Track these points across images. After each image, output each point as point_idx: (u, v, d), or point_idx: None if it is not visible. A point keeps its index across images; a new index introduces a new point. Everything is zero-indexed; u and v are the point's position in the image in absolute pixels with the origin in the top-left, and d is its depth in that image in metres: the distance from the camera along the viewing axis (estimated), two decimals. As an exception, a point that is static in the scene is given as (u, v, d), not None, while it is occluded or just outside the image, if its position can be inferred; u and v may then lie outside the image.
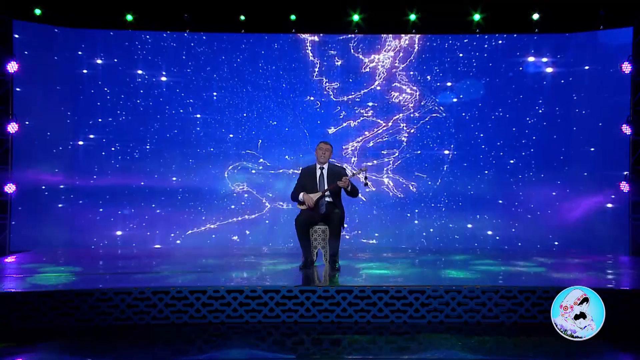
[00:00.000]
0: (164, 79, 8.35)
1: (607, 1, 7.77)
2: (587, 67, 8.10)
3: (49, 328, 4.22)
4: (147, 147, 8.32)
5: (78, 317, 4.30)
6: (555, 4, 7.92)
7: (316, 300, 4.41)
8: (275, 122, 8.47)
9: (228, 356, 3.76)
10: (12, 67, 7.54)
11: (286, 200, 8.20)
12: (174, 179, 8.34)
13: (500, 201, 8.34)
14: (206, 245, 8.17)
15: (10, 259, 6.69)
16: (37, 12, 7.80)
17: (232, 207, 8.40)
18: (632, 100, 7.66)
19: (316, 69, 8.47)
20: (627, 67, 7.63)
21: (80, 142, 8.19)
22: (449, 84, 8.40)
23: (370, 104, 8.47)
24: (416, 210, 8.41)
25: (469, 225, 8.34)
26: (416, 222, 8.40)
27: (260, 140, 8.46)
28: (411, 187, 8.43)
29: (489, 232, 8.32)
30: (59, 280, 4.94)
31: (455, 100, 8.40)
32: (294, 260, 6.18)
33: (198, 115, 8.40)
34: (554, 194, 8.23)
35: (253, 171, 8.47)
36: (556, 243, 8.06)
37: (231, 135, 8.44)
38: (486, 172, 8.36)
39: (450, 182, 8.41)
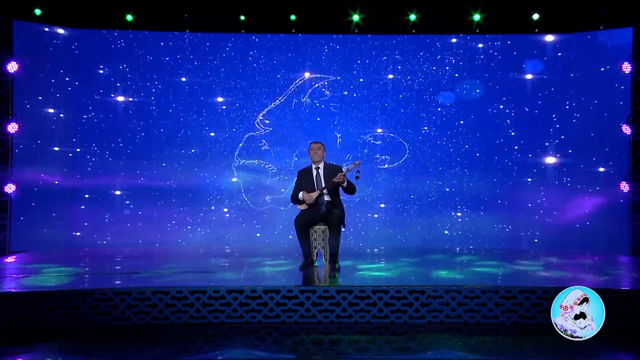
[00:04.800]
0: (162, 77, 8.35)
1: (607, 1, 7.77)
2: (586, 67, 8.10)
3: (49, 328, 4.22)
4: (148, 147, 8.31)
5: (78, 317, 4.29)
6: (555, 4, 7.92)
7: (316, 300, 4.41)
8: (270, 121, 8.42)
9: (228, 356, 3.76)
10: (12, 67, 7.54)
11: (283, 201, 8.20)
12: (169, 182, 8.30)
13: (499, 201, 8.34)
14: (206, 245, 8.16)
15: (10, 259, 6.69)
16: (37, 12, 7.80)
17: (231, 206, 8.39)
18: (632, 100, 7.66)
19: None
20: (627, 67, 7.63)
21: (80, 142, 8.20)
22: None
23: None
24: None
25: (470, 225, 8.34)
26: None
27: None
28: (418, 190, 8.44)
29: (486, 232, 8.31)
30: (59, 280, 4.94)
31: (447, 101, 8.41)
32: (294, 260, 6.18)
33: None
34: (554, 193, 8.23)
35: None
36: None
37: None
38: (486, 172, 8.36)
39: (448, 182, 8.41)
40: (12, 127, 7.54)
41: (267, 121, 8.44)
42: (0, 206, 7.58)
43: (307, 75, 8.41)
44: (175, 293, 4.39)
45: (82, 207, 8.16)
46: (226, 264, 6.13)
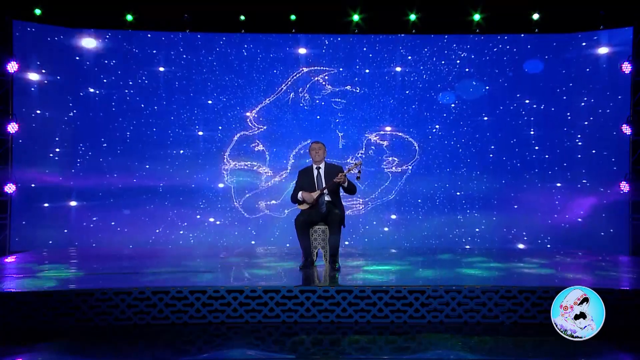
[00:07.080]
0: (162, 73, 8.30)
1: (607, 1, 7.77)
2: (587, 67, 8.10)
3: (49, 328, 4.22)
4: (147, 147, 8.29)
5: (78, 317, 4.29)
6: (555, 4, 7.92)
7: (316, 300, 4.41)
8: (266, 119, 8.33)
9: (228, 356, 3.76)
10: (12, 67, 7.54)
11: (279, 208, 8.17)
12: (163, 183, 8.28)
13: (499, 201, 8.33)
14: (206, 245, 8.14)
15: (10, 259, 6.68)
16: (37, 12, 7.80)
17: (225, 210, 8.34)
18: (632, 100, 7.66)
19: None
20: (627, 67, 7.63)
21: (80, 142, 8.19)
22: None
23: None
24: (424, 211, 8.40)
25: (472, 225, 8.32)
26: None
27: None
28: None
29: (485, 232, 8.29)
30: (59, 280, 4.94)
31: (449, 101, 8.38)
32: (294, 260, 6.18)
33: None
34: (554, 193, 8.23)
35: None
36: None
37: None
38: (486, 172, 8.34)
39: (447, 182, 8.39)
40: (12, 127, 7.54)
41: (254, 114, 8.25)
42: (0, 206, 7.58)
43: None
44: (175, 293, 4.39)
45: (82, 207, 8.15)
46: (227, 264, 6.12)
